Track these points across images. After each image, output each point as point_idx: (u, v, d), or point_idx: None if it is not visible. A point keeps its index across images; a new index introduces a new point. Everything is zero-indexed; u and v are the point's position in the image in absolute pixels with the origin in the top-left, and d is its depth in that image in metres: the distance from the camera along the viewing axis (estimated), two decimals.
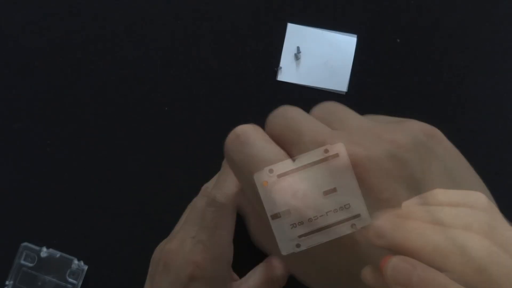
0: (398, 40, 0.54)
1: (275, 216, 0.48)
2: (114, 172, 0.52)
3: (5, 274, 0.50)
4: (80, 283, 0.51)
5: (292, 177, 0.48)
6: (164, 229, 0.52)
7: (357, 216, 0.48)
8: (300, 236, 0.48)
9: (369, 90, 0.54)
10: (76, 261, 0.51)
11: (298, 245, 0.48)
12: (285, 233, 0.48)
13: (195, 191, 0.52)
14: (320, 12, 0.53)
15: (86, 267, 0.51)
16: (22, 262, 0.51)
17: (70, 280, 0.50)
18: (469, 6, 0.54)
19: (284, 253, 0.48)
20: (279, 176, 0.48)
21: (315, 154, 0.48)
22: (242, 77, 0.53)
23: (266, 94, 0.53)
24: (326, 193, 0.48)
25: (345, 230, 0.48)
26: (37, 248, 0.51)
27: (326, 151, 0.48)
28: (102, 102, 0.53)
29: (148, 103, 0.53)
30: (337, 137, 0.41)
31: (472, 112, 0.54)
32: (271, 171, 0.48)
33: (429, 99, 0.54)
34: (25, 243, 0.51)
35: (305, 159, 0.48)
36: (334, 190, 0.48)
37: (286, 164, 0.48)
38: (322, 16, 0.53)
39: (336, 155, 0.48)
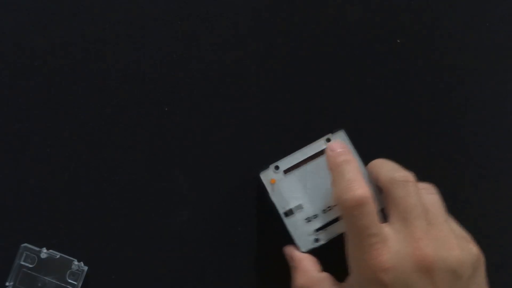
0: (398, 41, 0.54)
1: (288, 213, 0.47)
2: (114, 172, 0.52)
3: (5, 275, 0.50)
4: (80, 284, 0.50)
5: (299, 171, 0.47)
6: (164, 230, 0.52)
7: None
8: (317, 230, 0.47)
9: (369, 90, 0.54)
10: (76, 262, 0.50)
11: (316, 240, 0.46)
12: (301, 229, 0.46)
13: (195, 191, 0.52)
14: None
15: (86, 268, 0.51)
16: (22, 263, 0.50)
17: (70, 281, 0.50)
18: (469, 6, 0.54)
19: (303, 249, 0.46)
20: (286, 171, 0.47)
21: (318, 145, 0.47)
22: (242, 77, 0.53)
23: (265, 94, 0.53)
24: None
25: None
26: (37, 249, 0.50)
27: (328, 140, 0.47)
28: (102, 102, 0.53)
29: (148, 103, 0.53)
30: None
31: (472, 112, 0.54)
32: (277, 167, 0.47)
33: (429, 99, 0.54)
34: (25, 244, 0.50)
35: (308, 150, 0.47)
36: None
37: (291, 159, 0.47)
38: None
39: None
